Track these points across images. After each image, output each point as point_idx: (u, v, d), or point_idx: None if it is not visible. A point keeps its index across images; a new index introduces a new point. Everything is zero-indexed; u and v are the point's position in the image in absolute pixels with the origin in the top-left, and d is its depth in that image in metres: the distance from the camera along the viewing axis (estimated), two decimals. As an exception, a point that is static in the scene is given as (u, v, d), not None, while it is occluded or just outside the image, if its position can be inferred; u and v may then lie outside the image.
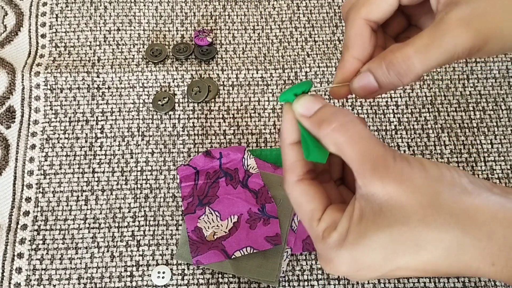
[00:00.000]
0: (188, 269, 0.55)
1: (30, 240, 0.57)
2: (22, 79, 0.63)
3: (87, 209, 0.58)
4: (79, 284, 0.55)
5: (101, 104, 0.63)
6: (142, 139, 0.61)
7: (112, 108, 0.63)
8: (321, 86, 0.64)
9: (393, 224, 0.32)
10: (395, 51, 0.35)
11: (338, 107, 0.35)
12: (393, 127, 0.62)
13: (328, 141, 0.34)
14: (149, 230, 0.57)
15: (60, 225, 0.57)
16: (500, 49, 0.35)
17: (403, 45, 0.35)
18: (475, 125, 0.62)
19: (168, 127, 0.62)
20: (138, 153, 0.61)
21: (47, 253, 0.56)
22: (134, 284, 0.55)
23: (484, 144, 0.61)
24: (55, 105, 0.63)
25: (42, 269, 0.55)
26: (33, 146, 0.61)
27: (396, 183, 0.32)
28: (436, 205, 0.32)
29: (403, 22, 0.41)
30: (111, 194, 0.59)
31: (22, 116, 0.62)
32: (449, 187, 0.33)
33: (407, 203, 0.32)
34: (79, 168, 0.60)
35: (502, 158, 0.60)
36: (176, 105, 0.63)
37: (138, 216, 0.58)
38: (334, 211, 0.36)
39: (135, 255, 0.56)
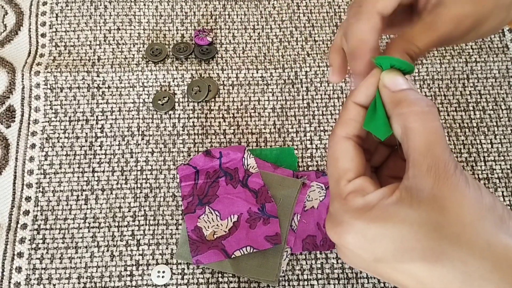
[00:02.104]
0: (188, 268, 0.55)
1: (30, 240, 0.57)
2: (22, 79, 0.63)
3: (87, 209, 0.58)
4: (79, 283, 0.55)
5: (101, 103, 0.63)
6: (142, 139, 0.61)
7: (112, 108, 0.63)
8: (321, 85, 0.64)
9: (423, 224, 0.31)
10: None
11: (423, 96, 0.34)
12: (393, 126, 0.62)
13: (400, 121, 0.33)
14: (149, 229, 0.57)
15: (60, 225, 0.57)
16: (499, 23, 0.37)
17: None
18: (475, 124, 0.62)
19: (168, 127, 0.62)
20: (138, 152, 0.61)
21: (47, 253, 0.56)
22: (134, 283, 0.55)
23: (484, 143, 0.61)
24: (55, 105, 0.63)
25: (42, 269, 0.55)
26: (33, 146, 0.61)
27: (448, 189, 0.31)
28: (477, 228, 0.31)
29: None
30: (111, 193, 0.59)
31: (22, 115, 0.62)
32: (496, 220, 0.31)
33: (449, 212, 0.31)
34: (79, 167, 0.60)
35: (502, 157, 0.60)
36: (176, 104, 0.63)
37: (138, 216, 0.58)
38: (366, 181, 0.34)
39: (135, 255, 0.56)
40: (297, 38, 0.67)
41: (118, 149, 0.61)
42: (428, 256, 0.31)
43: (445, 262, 0.31)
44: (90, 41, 0.67)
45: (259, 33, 0.68)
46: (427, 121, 0.32)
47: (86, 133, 0.62)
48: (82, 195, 0.59)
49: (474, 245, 0.30)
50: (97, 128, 0.62)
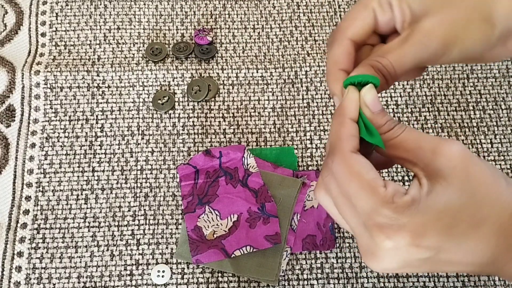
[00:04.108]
0: (188, 268, 0.55)
1: (30, 239, 0.57)
2: (22, 78, 0.63)
3: (87, 208, 0.58)
4: (78, 283, 0.55)
5: (101, 103, 0.63)
6: (142, 138, 0.61)
7: (112, 107, 0.63)
8: (321, 85, 0.64)
9: (461, 197, 0.34)
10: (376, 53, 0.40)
11: (389, 115, 0.38)
12: (393, 126, 0.62)
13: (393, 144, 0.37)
14: (149, 229, 0.57)
15: (60, 224, 0.57)
16: (462, 57, 0.39)
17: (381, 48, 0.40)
18: (475, 124, 0.62)
19: (168, 126, 0.62)
20: (138, 152, 0.61)
21: (46, 252, 0.56)
22: (133, 283, 0.55)
23: (484, 143, 0.61)
24: (55, 104, 0.63)
25: (41, 268, 0.55)
26: (33, 145, 0.61)
27: (464, 163, 0.35)
28: (500, 187, 0.35)
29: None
30: (111, 193, 0.59)
31: (22, 114, 0.62)
32: (506, 178, 0.36)
33: (474, 178, 0.34)
34: (79, 167, 0.60)
35: (502, 157, 0.60)
36: (176, 104, 0.63)
37: (138, 215, 0.58)
38: (391, 183, 0.35)
39: (135, 254, 0.56)
40: (297, 37, 0.67)
41: (118, 149, 0.61)
42: (475, 221, 0.34)
43: (486, 223, 0.34)
44: (90, 41, 0.67)
45: (259, 33, 0.67)
46: (410, 133, 0.37)
47: (86, 133, 0.62)
48: (82, 194, 0.59)
49: (501, 201, 0.34)
50: (97, 128, 0.62)
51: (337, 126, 0.37)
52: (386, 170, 0.60)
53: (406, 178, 0.59)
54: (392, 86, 0.64)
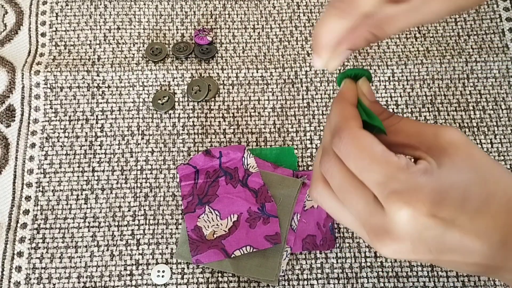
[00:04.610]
0: (188, 268, 0.55)
1: (29, 239, 0.57)
2: (22, 78, 0.63)
3: (87, 208, 0.58)
4: (78, 282, 0.55)
5: (101, 103, 0.63)
6: (142, 138, 0.61)
7: (112, 107, 0.63)
8: (321, 85, 0.64)
9: (468, 173, 0.34)
10: None
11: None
12: (393, 126, 0.62)
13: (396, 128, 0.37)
14: (149, 229, 0.57)
15: (60, 224, 0.57)
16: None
17: None
18: (475, 124, 0.62)
19: (168, 126, 0.62)
20: (138, 152, 0.61)
21: (46, 252, 0.56)
22: (133, 283, 0.55)
23: (484, 143, 0.61)
24: (55, 104, 0.63)
25: (41, 268, 0.55)
26: (33, 145, 0.61)
27: (462, 141, 0.35)
28: (499, 169, 0.35)
29: None
30: (111, 193, 0.59)
31: (22, 114, 0.62)
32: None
33: (477, 158, 0.35)
34: (79, 167, 0.60)
35: (502, 157, 0.60)
36: (176, 104, 0.63)
37: (138, 215, 0.58)
38: (401, 155, 0.35)
39: (135, 254, 0.56)
40: (297, 37, 0.67)
41: (118, 149, 0.61)
42: (485, 197, 0.33)
43: (495, 199, 0.33)
44: (90, 41, 0.67)
45: (259, 33, 0.67)
46: (409, 121, 0.37)
47: (86, 133, 0.62)
48: (82, 194, 0.59)
49: (506, 178, 0.34)
50: (97, 128, 0.62)
51: (340, 110, 0.37)
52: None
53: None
54: (392, 86, 0.64)
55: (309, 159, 0.60)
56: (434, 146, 0.35)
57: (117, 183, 0.59)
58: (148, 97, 0.63)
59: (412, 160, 0.36)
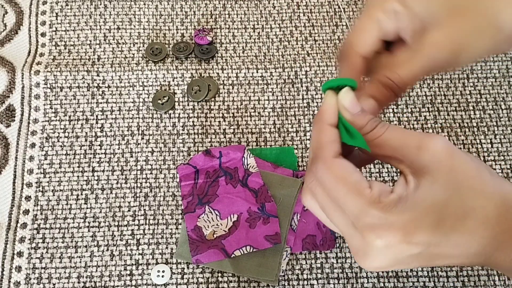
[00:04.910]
0: (188, 268, 0.55)
1: (29, 239, 0.57)
2: (22, 78, 0.63)
3: (87, 208, 0.58)
4: (78, 282, 0.55)
5: (101, 102, 0.63)
6: (142, 138, 0.61)
7: (112, 107, 0.63)
8: (321, 85, 0.64)
9: (447, 191, 0.34)
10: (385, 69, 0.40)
11: (370, 115, 0.39)
12: (393, 126, 0.62)
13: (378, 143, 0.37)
14: (149, 229, 0.57)
15: (60, 224, 0.57)
16: (470, 61, 0.41)
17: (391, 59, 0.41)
18: (475, 124, 0.62)
19: (168, 126, 0.62)
20: (138, 152, 0.61)
21: (46, 252, 0.56)
22: (133, 283, 0.55)
23: (484, 143, 0.61)
24: (55, 104, 0.63)
25: (41, 268, 0.55)
26: (33, 145, 0.61)
27: (449, 158, 0.35)
28: (482, 178, 0.36)
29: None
30: (111, 193, 0.59)
31: (22, 114, 0.62)
32: (489, 169, 0.37)
33: (458, 172, 0.35)
34: (79, 166, 0.60)
35: (502, 157, 0.60)
36: (176, 104, 0.63)
37: (138, 215, 0.58)
38: (376, 183, 0.36)
39: (135, 254, 0.56)
40: (297, 37, 0.67)
41: (118, 149, 0.61)
42: (461, 215, 0.34)
43: (472, 215, 0.34)
44: (90, 41, 0.67)
45: (259, 33, 0.67)
46: (394, 131, 0.38)
47: (86, 133, 0.62)
48: (82, 194, 0.59)
49: (487, 194, 0.35)
50: (97, 128, 0.62)
51: (317, 133, 0.38)
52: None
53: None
54: (392, 86, 0.64)
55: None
56: (416, 161, 0.36)
57: (117, 183, 0.59)
58: (148, 97, 0.63)
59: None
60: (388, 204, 0.34)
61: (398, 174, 0.58)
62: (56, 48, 0.66)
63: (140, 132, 0.62)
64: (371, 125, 0.38)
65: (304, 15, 0.69)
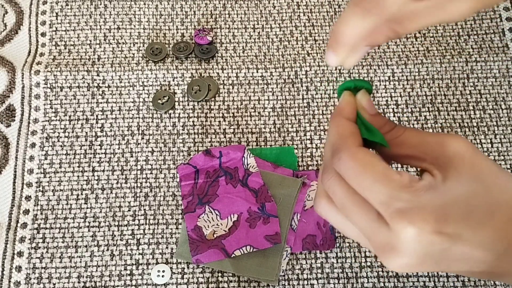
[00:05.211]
0: (188, 268, 0.55)
1: (30, 239, 0.57)
2: (22, 78, 0.63)
3: (87, 208, 0.58)
4: (78, 282, 0.55)
5: (101, 102, 0.63)
6: (142, 138, 0.61)
7: (112, 107, 0.63)
8: (321, 85, 0.64)
9: (472, 184, 0.34)
10: None
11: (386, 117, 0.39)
12: (393, 126, 0.62)
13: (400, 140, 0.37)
14: (149, 228, 0.57)
15: (60, 224, 0.57)
16: None
17: None
18: (475, 124, 0.62)
19: (168, 126, 0.62)
20: (138, 151, 0.61)
21: (47, 252, 0.56)
22: (134, 282, 0.55)
23: (484, 143, 0.61)
24: (55, 104, 0.63)
25: (42, 268, 0.55)
26: (33, 145, 0.61)
27: (468, 150, 0.35)
28: (501, 176, 0.35)
29: None
30: (111, 192, 0.59)
31: (22, 114, 0.62)
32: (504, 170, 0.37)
33: (481, 168, 0.35)
34: (79, 166, 0.60)
35: (502, 157, 0.60)
36: (176, 104, 0.63)
37: (138, 215, 0.58)
38: (405, 172, 0.35)
39: (135, 254, 0.56)
40: (297, 37, 0.67)
41: (118, 149, 0.61)
42: (488, 209, 0.34)
43: (499, 211, 0.34)
44: (90, 40, 0.67)
45: (259, 33, 0.67)
46: (413, 131, 0.37)
47: (86, 132, 0.62)
48: (82, 194, 0.59)
49: (508, 188, 0.35)
50: (97, 127, 0.62)
51: (337, 127, 0.37)
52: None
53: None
54: (392, 86, 0.64)
55: (309, 159, 0.60)
56: (439, 157, 0.35)
57: (117, 183, 0.59)
58: (148, 97, 0.63)
59: (419, 172, 0.36)
60: (420, 188, 0.33)
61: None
62: (56, 48, 0.66)
63: (140, 132, 0.62)
64: (390, 125, 0.38)
65: (304, 15, 0.69)
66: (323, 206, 0.37)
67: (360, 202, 0.35)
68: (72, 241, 0.57)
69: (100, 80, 0.64)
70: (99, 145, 0.61)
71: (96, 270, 0.55)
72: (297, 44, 0.67)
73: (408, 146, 0.37)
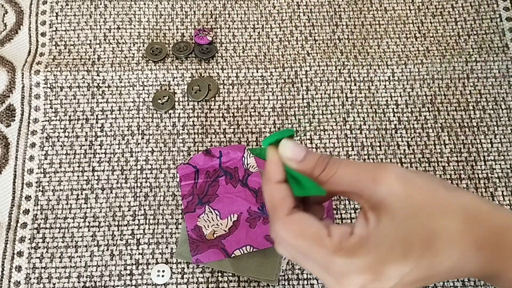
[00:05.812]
0: (188, 267, 0.55)
1: (30, 239, 0.57)
2: (22, 78, 0.63)
3: (87, 208, 0.58)
4: (78, 282, 0.55)
5: (101, 102, 0.63)
6: (142, 138, 0.61)
7: (112, 107, 0.63)
8: (321, 85, 0.64)
9: (407, 218, 0.34)
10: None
11: (318, 154, 0.38)
12: (393, 126, 0.62)
13: (333, 181, 0.37)
14: (149, 228, 0.57)
15: (60, 224, 0.57)
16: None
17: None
18: (475, 124, 0.62)
19: (168, 126, 0.62)
20: (138, 151, 0.61)
21: (46, 252, 0.56)
22: (133, 282, 0.55)
23: (484, 143, 0.61)
24: (55, 104, 0.63)
25: (41, 268, 0.55)
26: (33, 145, 0.61)
27: (399, 183, 0.35)
28: (438, 194, 0.36)
29: None
30: (111, 192, 0.59)
31: (22, 114, 0.62)
32: (444, 184, 0.37)
33: (412, 197, 0.35)
34: (79, 166, 0.60)
35: (502, 157, 0.60)
36: (176, 103, 0.63)
37: (138, 215, 0.58)
38: (336, 227, 0.36)
39: (135, 254, 0.56)
40: (297, 37, 0.67)
41: (118, 148, 0.61)
42: (426, 240, 0.35)
43: (437, 237, 0.35)
44: (90, 40, 0.67)
45: (259, 33, 0.67)
46: (347, 165, 0.37)
47: (86, 132, 0.62)
48: (82, 194, 0.59)
49: (449, 213, 0.35)
50: (97, 127, 0.62)
51: (268, 194, 0.38)
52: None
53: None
54: (392, 86, 0.64)
55: (309, 159, 0.60)
56: (372, 195, 0.36)
57: (117, 182, 0.59)
58: (148, 97, 0.63)
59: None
60: (350, 248, 0.34)
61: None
62: (56, 48, 0.66)
63: (140, 132, 0.62)
64: (320, 166, 0.37)
65: (304, 15, 0.69)
66: (281, 251, 0.39)
67: (306, 258, 0.37)
68: (72, 241, 0.57)
69: (100, 80, 0.64)
70: (99, 145, 0.61)
71: (96, 270, 0.55)
72: (297, 44, 0.67)
73: (345, 184, 0.37)
